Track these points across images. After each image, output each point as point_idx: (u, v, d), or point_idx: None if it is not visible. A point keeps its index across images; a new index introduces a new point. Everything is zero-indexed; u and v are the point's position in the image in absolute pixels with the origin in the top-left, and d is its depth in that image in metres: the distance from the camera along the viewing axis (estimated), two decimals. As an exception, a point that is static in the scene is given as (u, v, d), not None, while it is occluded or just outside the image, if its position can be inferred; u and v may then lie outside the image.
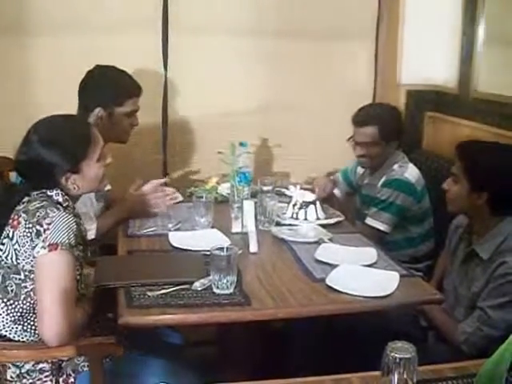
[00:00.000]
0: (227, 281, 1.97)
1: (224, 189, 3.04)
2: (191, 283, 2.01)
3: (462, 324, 2.23)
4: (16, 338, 1.97)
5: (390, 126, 2.91)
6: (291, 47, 3.48)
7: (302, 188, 2.93)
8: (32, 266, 1.90)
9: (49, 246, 1.86)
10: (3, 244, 1.95)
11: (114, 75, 2.75)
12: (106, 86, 2.70)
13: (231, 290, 1.97)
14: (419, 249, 2.90)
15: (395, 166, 2.92)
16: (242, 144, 2.78)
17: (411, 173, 2.87)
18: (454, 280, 2.40)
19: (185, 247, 2.37)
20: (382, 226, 2.84)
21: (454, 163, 2.33)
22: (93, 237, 2.47)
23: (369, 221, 2.88)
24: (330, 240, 2.48)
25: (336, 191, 3.28)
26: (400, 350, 1.41)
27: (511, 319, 2.11)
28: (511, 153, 2.25)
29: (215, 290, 1.98)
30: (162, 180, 2.98)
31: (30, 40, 3.17)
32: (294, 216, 2.76)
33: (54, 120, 2.11)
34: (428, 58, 3.42)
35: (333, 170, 3.40)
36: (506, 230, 2.20)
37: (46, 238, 1.87)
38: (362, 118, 2.93)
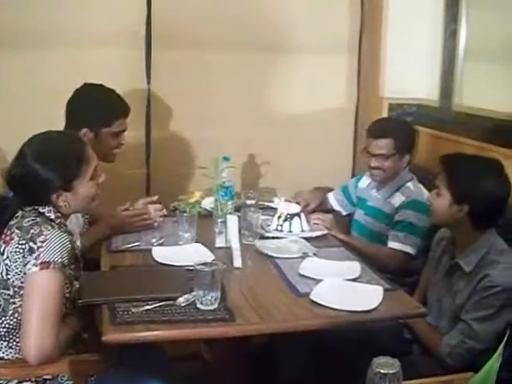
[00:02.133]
0: (211, 296, 1.96)
1: (207, 203, 3.03)
2: (175, 299, 2.00)
3: (445, 337, 2.24)
4: (0, 355, 1.95)
5: (404, 139, 2.93)
6: (276, 62, 3.51)
7: (286, 200, 2.94)
8: (22, 283, 1.89)
9: (41, 263, 1.85)
10: None
11: (102, 95, 2.71)
12: (94, 107, 2.66)
13: (215, 306, 1.96)
14: (413, 263, 2.86)
15: (409, 185, 2.92)
16: (225, 158, 2.78)
17: (427, 194, 2.83)
18: (437, 292, 2.41)
19: (168, 262, 2.36)
20: (411, 250, 2.80)
21: (438, 176, 2.35)
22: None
23: (395, 245, 2.82)
24: (315, 254, 2.48)
25: (339, 208, 3.28)
26: (385, 366, 1.41)
27: (495, 332, 2.13)
28: (492, 166, 2.26)
29: (199, 305, 1.97)
30: (154, 198, 2.98)
31: (5, 54, 3.11)
32: (279, 228, 2.76)
33: (48, 136, 2.10)
34: (410, 72, 3.44)
35: (320, 185, 3.39)
36: (488, 243, 2.22)
37: (39, 255, 1.86)
38: (378, 129, 2.94)
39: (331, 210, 3.25)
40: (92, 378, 2.00)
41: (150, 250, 2.47)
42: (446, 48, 3.27)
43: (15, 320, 1.93)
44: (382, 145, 2.90)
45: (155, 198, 2.94)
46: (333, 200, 3.30)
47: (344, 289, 2.13)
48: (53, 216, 2.01)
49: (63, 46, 3.16)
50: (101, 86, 2.73)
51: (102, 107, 2.68)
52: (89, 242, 2.62)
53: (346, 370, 2.36)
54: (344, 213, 3.29)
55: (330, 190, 3.36)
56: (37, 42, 3.12)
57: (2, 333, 1.94)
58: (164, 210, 2.87)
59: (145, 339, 1.84)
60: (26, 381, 1.93)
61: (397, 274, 2.78)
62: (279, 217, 2.76)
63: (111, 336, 1.81)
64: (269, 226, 2.78)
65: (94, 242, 2.63)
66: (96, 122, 2.66)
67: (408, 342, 2.48)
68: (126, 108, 2.76)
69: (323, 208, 3.24)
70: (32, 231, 1.90)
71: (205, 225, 2.72)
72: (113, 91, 2.74)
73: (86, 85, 2.72)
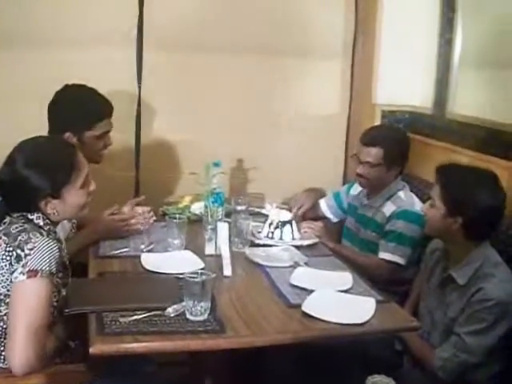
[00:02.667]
0: (201, 307, 1.92)
1: (197, 208, 3.00)
2: (164, 309, 1.96)
3: (437, 350, 2.22)
4: (-15, 364, 1.91)
5: (395, 150, 2.88)
6: (267, 65, 3.46)
7: (278, 207, 2.90)
8: (8, 291, 1.86)
9: (28, 272, 1.81)
10: None
11: (84, 97, 2.63)
12: (74, 110, 2.58)
13: (205, 317, 1.93)
14: (405, 273, 2.83)
15: (400, 194, 2.89)
16: (215, 164, 2.74)
17: (418, 203, 2.82)
18: (429, 304, 2.39)
19: (157, 270, 2.31)
20: (401, 260, 2.77)
21: (429, 186, 2.33)
22: None
23: (386, 255, 2.79)
24: (306, 263, 2.45)
25: (330, 215, 3.26)
26: (380, 385, 1.37)
27: (487, 345, 2.12)
28: (487, 178, 2.24)
29: (189, 316, 1.93)
30: (140, 198, 2.93)
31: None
32: (270, 235, 2.73)
33: (39, 141, 2.07)
34: (404, 79, 3.41)
35: (298, 183, 3.35)
36: (482, 256, 2.20)
37: (27, 263, 1.82)
38: (369, 137, 2.91)
39: (322, 217, 3.22)
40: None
41: (138, 257, 2.43)
42: (440, 55, 3.24)
43: (1, 329, 1.90)
44: (370, 153, 2.86)
45: (142, 198, 2.90)
46: (324, 206, 3.28)
47: (336, 300, 2.10)
48: (41, 223, 1.98)
49: (53, 46, 3.09)
50: (82, 86, 2.65)
51: (83, 110, 2.60)
52: (75, 248, 2.55)
53: (336, 380, 2.34)
54: (334, 220, 3.27)
55: (323, 192, 3.34)
56: (26, 43, 3.06)
57: (-12, 341, 1.90)
58: (152, 214, 2.82)
59: (133, 351, 1.80)
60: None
61: (387, 283, 2.76)
62: (270, 224, 2.73)
63: (99, 347, 1.76)
64: (259, 232, 2.75)
65: (80, 248, 2.58)
66: (78, 126, 2.59)
67: (399, 354, 2.46)
68: (109, 108, 2.69)
69: (315, 214, 3.22)
70: (20, 238, 1.87)
71: (194, 230, 2.68)
72: (94, 91, 2.66)
73: (66, 86, 2.64)
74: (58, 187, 1.99)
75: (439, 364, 2.18)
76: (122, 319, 1.89)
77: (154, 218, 2.83)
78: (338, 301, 2.10)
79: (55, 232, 2.05)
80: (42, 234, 1.90)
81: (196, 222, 2.84)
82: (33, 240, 1.86)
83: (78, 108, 2.59)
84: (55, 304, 1.96)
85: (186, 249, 2.53)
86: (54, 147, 2.08)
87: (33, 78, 3.03)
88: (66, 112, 2.58)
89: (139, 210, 2.78)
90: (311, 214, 3.20)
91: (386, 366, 2.39)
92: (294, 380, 2.46)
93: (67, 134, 2.58)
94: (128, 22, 3.22)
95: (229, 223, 2.57)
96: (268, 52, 3.43)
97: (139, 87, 3.30)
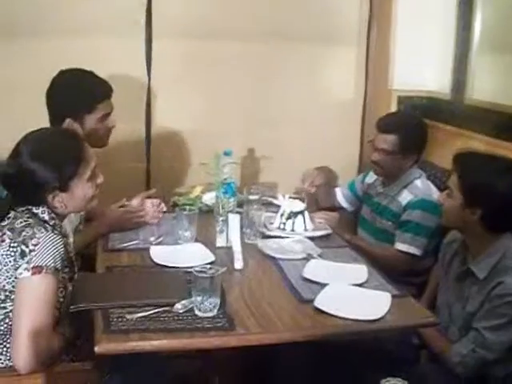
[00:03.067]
0: (210, 303, 1.87)
1: (209, 198, 2.94)
2: (172, 305, 1.91)
3: (456, 345, 2.14)
4: (-9, 362, 1.87)
5: (411, 138, 2.81)
6: (280, 52, 3.40)
7: (291, 197, 2.83)
8: (13, 287, 1.83)
9: (33, 268, 1.78)
10: None
11: (80, 80, 2.56)
12: (72, 94, 2.52)
13: (214, 313, 1.87)
14: (421, 263, 2.77)
15: (417, 182, 2.81)
16: (226, 153, 2.67)
17: (436, 192, 2.74)
18: (447, 297, 2.31)
19: (167, 264, 2.26)
20: (417, 251, 2.72)
21: (449, 174, 2.24)
22: None
23: (402, 246, 2.73)
24: (319, 255, 2.38)
25: (345, 204, 3.20)
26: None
27: (507, 341, 2.03)
28: (507, 166, 2.15)
29: (197, 312, 1.87)
30: (151, 191, 2.88)
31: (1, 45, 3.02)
32: (282, 227, 2.67)
33: (45, 134, 2.04)
34: (420, 63, 3.33)
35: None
36: (503, 248, 2.11)
37: (31, 259, 1.79)
38: (386, 123, 2.84)
39: (338, 208, 3.15)
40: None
41: (147, 249, 2.38)
42: (459, 39, 3.14)
43: (6, 326, 1.86)
44: (386, 140, 2.79)
45: (153, 191, 2.86)
46: (340, 196, 3.21)
47: (349, 295, 2.03)
48: (47, 217, 1.94)
49: (59, 35, 3.04)
50: (78, 70, 2.58)
51: (81, 93, 2.53)
52: (84, 241, 2.54)
53: (351, 377, 2.28)
54: (350, 209, 3.20)
55: (334, 173, 3.30)
56: (30, 32, 3.02)
57: (-6, 338, 1.87)
58: (163, 205, 2.77)
59: (140, 349, 1.74)
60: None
61: (404, 274, 2.72)
62: (282, 214, 2.67)
63: (105, 346, 1.71)
64: (271, 223, 2.68)
65: (89, 241, 2.55)
66: (77, 110, 2.53)
67: (416, 348, 2.39)
68: (108, 89, 2.62)
69: (330, 203, 3.16)
70: (24, 233, 1.83)
71: (206, 222, 2.64)
72: (91, 74, 2.59)
73: (61, 72, 2.57)
74: (66, 180, 1.95)
75: (457, 360, 2.10)
76: (128, 316, 1.85)
77: (165, 209, 2.78)
78: (352, 296, 2.04)
79: (61, 226, 2.01)
80: (46, 230, 1.86)
81: (208, 212, 2.79)
82: (37, 235, 1.82)
83: (76, 91, 2.53)
84: (62, 300, 1.92)
85: (196, 241, 2.49)
86: (61, 139, 2.05)
87: (39, 67, 2.96)
88: (65, 97, 2.53)
89: (148, 202, 2.72)
90: (326, 203, 3.14)
91: (402, 360, 2.34)
92: (307, 375, 2.40)
93: (67, 121, 2.52)
94: (137, 9, 3.16)
95: (241, 214, 2.52)
96: (280, 38, 3.36)
97: (149, 76, 3.24)
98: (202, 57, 3.27)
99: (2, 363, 1.87)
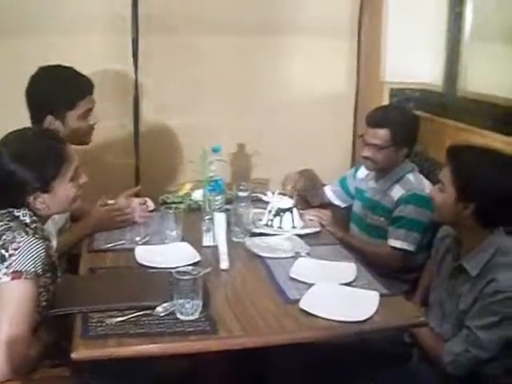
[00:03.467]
0: (192, 306, 1.81)
1: (198, 195, 2.87)
2: (154, 308, 1.85)
3: (448, 344, 2.09)
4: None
5: (403, 131, 2.74)
6: (270, 44, 3.33)
7: (280, 193, 2.78)
8: None
9: (12, 273, 1.74)
10: None
11: (59, 76, 2.50)
12: (52, 90, 2.45)
13: (196, 316, 1.82)
14: (414, 259, 2.72)
15: (409, 177, 2.76)
16: (214, 150, 2.61)
17: (428, 186, 2.69)
18: (440, 294, 2.25)
19: (151, 264, 2.21)
20: (411, 247, 2.67)
21: (440, 167, 2.18)
22: None
23: (395, 243, 2.68)
24: (308, 254, 2.33)
25: (337, 201, 3.14)
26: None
27: (501, 340, 1.98)
28: (503, 160, 2.09)
29: (179, 315, 1.82)
30: (135, 189, 2.83)
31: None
32: (269, 223, 2.62)
33: (26, 134, 2.00)
34: (413, 55, 3.26)
35: (304, 167, 3.21)
36: (496, 244, 2.05)
37: (11, 264, 1.75)
38: (375, 118, 2.78)
39: (329, 205, 3.09)
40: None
41: (133, 250, 2.33)
42: (450, 29, 3.08)
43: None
44: (377, 135, 2.73)
45: (137, 189, 2.80)
46: (330, 193, 3.15)
47: (336, 295, 1.98)
48: (28, 220, 1.90)
49: (44, 33, 2.98)
50: (57, 66, 2.51)
51: (62, 89, 2.46)
52: (69, 242, 2.49)
53: (342, 376, 2.23)
54: (343, 205, 3.14)
55: (314, 174, 3.22)
56: (15, 29, 2.96)
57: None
58: (149, 203, 2.71)
59: (118, 355, 1.69)
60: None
61: (397, 271, 2.68)
62: (269, 211, 2.61)
63: (82, 352, 1.66)
64: (260, 220, 2.63)
65: (75, 241, 2.51)
66: (58, 107, 2.46)
67: (408, 347, 2.34)
68: (89, 85, 2.54)
69: (319, 201, 3.11)
70: (4, 237, 1.79)
71: (194, 220, 2.57)
72: (71, 69, 2.51)
73: (40, 68, 2.50)
74: (48, 181, 1.91)
75: (449, 359, 2.05)
76: (107, 320, 1.80)
77: (152, 207, 2.73)
78: (339, 295, 1.98)
79: (42, 230, 1.97)
80: (27, 234, 1.82)
81: (197, 210, 2.73)
82: (17, 240, 1.78)
83: (57, 88, 2.46)
84: (44, 304, 1.88)
85: (183, 240, 2.43)
86: (42, 140, 2.00)
87: (23, 65, 2.84)
88: (45, 94, 2.45)
89: (135, 201, 2.67)
90: (316, 202, 3.09)
91: (393, 359, 2.30)
92: (298, 374, 2.35)
93: (49, 118, 2.45)
94: (122, 4, 3.09)
95: (229, 211, 2.47)
96: (270, 31, 3.30)
97: (136, 71, 3.18)
98: (190, 51, 3.21)
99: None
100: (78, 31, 3.02)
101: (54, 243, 2.36)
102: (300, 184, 3.02)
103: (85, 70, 2.57)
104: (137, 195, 2.81)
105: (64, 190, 1.96)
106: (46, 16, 3.00)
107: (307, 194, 3.10)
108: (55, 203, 1.96)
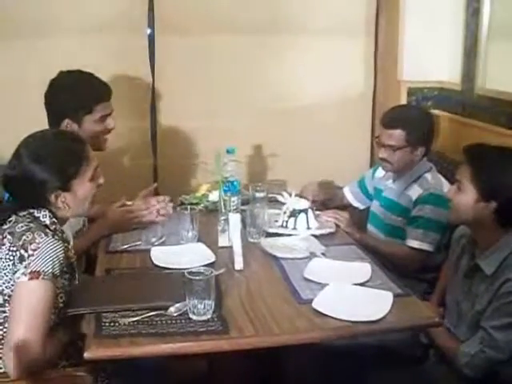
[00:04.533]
0: (204, 306, 1.82)
1: (215, 197, 2.88)
2: (167, 308, 1.86)
3: (464, 344, 2.07)
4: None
5: (419, 131, 2.71)
6: (287, 45, 3.35)
7: (296, 195, 2.77)
8: (12, 291, 1.81)
9: (30, 273, 1.77)
10: None
11: (79, 81, 2.54)
12: (71, 95, 2.50)
13: (209, 316, 1.82)
14: (433, 259, 2.69)
15: (427, 176, 2.73)
16: (228, 151, 2.61)
17: (447, 185, 2.65)
18: (456, 295, 2.23)
19: (166, 265, 2.22)
20: (430, 247, 2.64)
21: (459, 167, 2.15)
22: None
23: (414, 243, 2.65)
24: (323, 254, 2.32)
25: (356, 203, 3.12)
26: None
27: (516, 341, 1.95)
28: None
29: (191, 315, 1.83)
30: (152, 187, 2.85)
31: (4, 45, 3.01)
32: (284, 225, 2.61)
33: (46, 135, 2.04)
34: (430, 53, 3.24)
35: (326, 178, 3.21)
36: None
37: (29, 264, 1.78)
38: (390, 119, 2.76)
39: (348, 206, 3.08)
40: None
41: (149, 251, 2.34)
42: (468, 27, 3.04)
43: (6, 330, 1.83)
44: (392, 136, 2.71)
45: (153, 186, 2.82)
46: (349, 195, 3.14)
47: (350, 295, 1.97)
48: (48, 221, 1.93)
49: (59, 33, 3.04)
50: (78, 71, 2.56)
51: (80, 94, 2.51)
52: (87, 242, 2.51)
53: (357, 376, 2.22)
54: (362, 207, 3.12)
55: (335, 185, 3.20)
56: (33, 32, 3.02)
57: (-7, 342, 1.85)
58: (167, 199, 2.72)
59: (130, 355, 1.70)
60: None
61: (415, 271, 2.66)
62: (284, 212, 2.61)
63: (94, 352, 1.67)
64: (276, 221, 2.63)
65: (89, 245, 2.53)
66: (76, 111, 2.51)
67: (424, 347, 2.32)
68: (107, 90, 2.59)
69: (340, 203, 3.08)
70: (24, 238, 1.82)
71: (211, 221, 2.60)
72: (91, 75, 2.57)
73: (61, 73, 2.56)
74: (68, 179, 1.95)
75: (465, 360, 2.02)
76: (121, 320, 1.81)
77: (171, 211, 2.73)
78: (352, 296, 1.97)
79: (62, 231, 2.00)
80: (46, 235, 1.84)
81: (214, 211, 2.74)
82: (37, 240, 1.81)
83: (76, 92, 2.51)
84: (62, 305, 1.89)
85: (199, 241, 2.44)
86: (62, 140, 2.04)
87: (41, 67, 2.94)
88: (64, 98, 2.51)
89: (153, 201, 2.68)
90: (335, 203, 3.07)
91: (409, 359, 2.28)
92: (312, 374, 2.35)
93: (66, 121, 2.51)
94: (139, 6, 3.12)
95: (245, 212, 2.48)
96: (287, 31, 3.31)
97: (152, 73, 3.21)
98: (207, 52, 3.24)
99: (1, 368, 1.83)
100: (93, 33, 3.07)
101: (70, 246, 2.40)
102: (319, 198, 3.00)
103: (100, 72, 2.60)
104: (156, 194, 2.81)
105: (83, 189, 2.00)
106: (64, 19, 3.06)
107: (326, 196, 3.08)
108: (75, 203, 1.99)
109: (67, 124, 2.50)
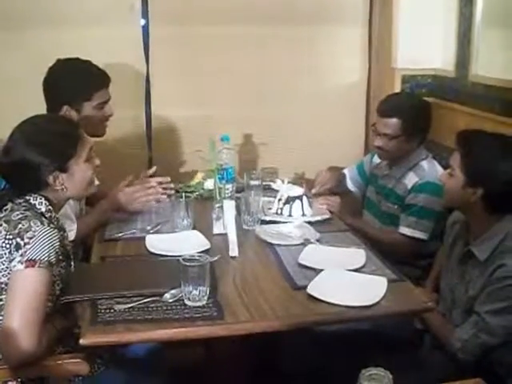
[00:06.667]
0: (199, 292, 1.83)
1: (210, 184, 2.89)
2: (162, 294, 1.87)
3: (457, 329, 2.08)
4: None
5: (414, 120, 2.71)
6: (279, 33, 3.32)
7: (289, 182, 2.78)
8: (8, 279, 1.81)
9: (26, 261, 1.77)
10: None
11: (77, 68, 2.57)
12: (70, 81, 2.52)
13: (204, 302, 1.83)
14: (427, 246, 2.70)
15: (423, 164, 2.73)
16: (222, 139, 2.62)
17: (441, 172, 2.62)
18: (450, 281, 2.25)
19: (161, 252, 2.23)
20: (423, 235, 2.65)
21: (451, 154, 2.16)
22: (72, 238, 2.33)
23: (406, 230, 2.67)
24: (318, 241, 2.33)
25: (354, 189, 3.11)
26: (374, 379, 1.25)
27: (510, 326, 1.96)
28: (512, 146, 2.07)
29: (187, 302, 1.84)
30: (151, 170, 2.84)
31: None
32: (279, 212, 2.62)
33: (38, 119, 2.05)
34: (424, 41, 3.24)
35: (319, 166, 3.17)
36: (505, 229, 2.03)
37: (25, 252, 1.78)
38: (386, 107, 2.75)
39: (347, 191, 3.08)
40: (78, 378, 1.91)
41: (143, 239, 2.35)
42: (462, 14, 3.04)
43: (1, 318, 1.82)
44: (388, 124, 2.70)
45: (152, 170, 2.81)
46: (348, 180, 3.13)
47: (344, 281, 1.98)
48: (43, 209, 1.93)
49: (55, 25, 3.02)
50: (76, 59, 2.59)
51: (79, 80, 2.54)
52: (87, 227, 2.52)
53: (353, 361, 2.23)
54: (360, 193, 3.12)
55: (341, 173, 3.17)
56: (26, 22, 3.00)
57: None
58: (168, 179, 2.71)
59: (126, 341, 1.73)
60: (11, 380, 1.83)
61: (409, 257, 2.67)
62: (279, 199, 2.61)
63: (90, 339, 1.68)
64: (270, 209, 2.64)
65: (92, 226, 2.54)
66: (75, 97, 2.54)
67: (419, 333, 2.33)
68: (105, 78, 2.62)
69: (341, 189, 3.08)
70: (20, 226, 1.82)
71: (206, 208, 2.60)
72: (89, 62, 2.59)
73: (59, 60, 2.59)
74: (65, 160, 1.96)
75: (458, 345, 2.04)
76: (116, 307, 1.82)
77: (172, 186, 2.73)
78: (347, 281, 1.98)
79: (57, 219, 2.00)
80: (42, 223, 1.84)
81: (209, 199, 2.75)
82: (33, 228, 1.81)
83: (74, 79, 2.54)
84: (58, 293, 1.90)
85: (194, 228, 2.45)
86: (56, 123, 2.08)
87: (35, 58, 2.94)
88: (62, 85, 2.53)
89: (153, 181, 2.67)
90: (338, 190, 3.05)
91: (404, 345, 2.29)
92: (308, 361, 2.36)
93: (65, 108, 2.53)
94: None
95: (239, 200, 2.48)
96: (280, 20, 3.30)
97: (147, 63, 3.20)
98: (201, 41, 3.23)
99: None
100: (89, 23, 3.06)
101: (74, 227, 2.41)
102: (327, 187, 2.98)
103: (96, 61, 2.61)
104: (152, 176, 2.82)
105: (80, 170, 2.00)
106: (57, 8, 3.04)
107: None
108: (73, 184, 1.99)
109: (66, 111, 2.52)
